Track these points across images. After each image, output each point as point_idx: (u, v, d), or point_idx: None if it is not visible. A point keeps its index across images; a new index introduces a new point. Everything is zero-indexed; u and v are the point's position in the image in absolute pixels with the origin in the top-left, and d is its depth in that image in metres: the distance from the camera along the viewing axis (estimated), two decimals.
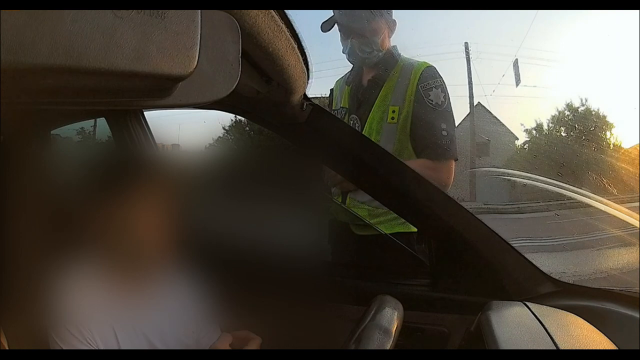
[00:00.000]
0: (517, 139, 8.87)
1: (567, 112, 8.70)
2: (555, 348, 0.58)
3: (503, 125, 8.94)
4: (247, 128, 7.08)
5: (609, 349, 0.61)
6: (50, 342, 0.68)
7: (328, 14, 1.27)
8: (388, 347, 0.57)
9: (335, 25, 1.27)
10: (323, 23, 1.27)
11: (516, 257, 0.85)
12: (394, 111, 1.23)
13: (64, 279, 0.70)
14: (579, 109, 8.48)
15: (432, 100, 1.21)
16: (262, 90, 0.62)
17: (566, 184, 1.53)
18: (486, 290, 0.84)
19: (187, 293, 0.79)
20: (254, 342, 0.74)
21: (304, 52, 0.56)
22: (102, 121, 1.21)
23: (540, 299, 0.81)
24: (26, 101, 0.28)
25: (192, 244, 0.76)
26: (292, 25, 0.48)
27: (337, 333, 0.65)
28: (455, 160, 1.24)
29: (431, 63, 1.26)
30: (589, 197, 1.43)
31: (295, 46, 0.52)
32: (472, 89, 8.15)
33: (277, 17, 0.44)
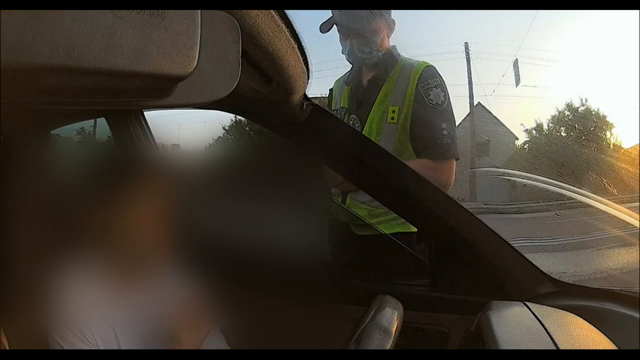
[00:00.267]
0: (517, 139, 8.86)
1: (567, 112, 8.69)
2: (555, 348, 0.58)
3: (503, 125, 8.94)
4: (247, 128, 7.08)
5: (609, 349, 0.61)
6: (50, 342, 0.68)
7: (328, 14, 1.27)
8: (388, 347, 0.57)
9: (335, 25, 1.27)
10: (322, 24, 1.27)
11: (516, 257, 0.85)
12: (393, 111, 1.23)
13: (64, 278, 0.70)
14: (579, 109, 8.47)
15: (432, 100, 1.20)
16: (262, 90, 0.62)
17: (566, 184, 1.53)
18: (486, 290, 0.84)
19: (186, 292, 0.79)
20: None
21: (304, 52, 0.56)
22: (102, 121, 1.21)
23: (540, 299, 0.81)
24: (26, 101, 0.28)
25: (192, 244, 0.76)
26: (292, 25, 0.48)
27: (337, 333, 0.65)
28: (456, 160, 1.24)
29: (431, 63, 1.26)
30: (589, 197, 1.44)
31: (295, 46, 0.52)
32: (472, 89, 8.15)
33: (277, 17, 0.44)
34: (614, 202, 1.32)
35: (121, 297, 0.72)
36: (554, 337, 0.61)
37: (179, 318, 0.71)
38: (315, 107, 0.83)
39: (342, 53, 1.29)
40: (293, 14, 0.47)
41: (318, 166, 1.31)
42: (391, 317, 0.62)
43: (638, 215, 1.20)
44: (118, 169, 0.75)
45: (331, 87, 1.42)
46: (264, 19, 0.41)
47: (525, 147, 8.76)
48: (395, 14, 1.29)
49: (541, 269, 0.85)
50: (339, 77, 1.40)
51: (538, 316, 0.70)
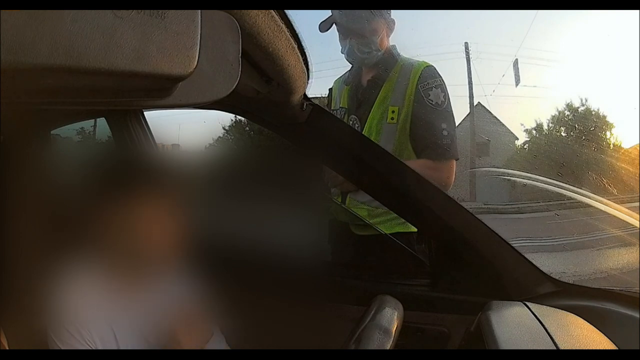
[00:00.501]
0: (517, 139, 8.86)
1: (567, 112, 8.68)
2: (555, 348, 0.58)
3: (503, 125, 8.93)
4: (247, 128, 7.08)
5: (609, 349, 0.61)
6: (49, 342, 0.68)
7: (328, 13, 1.27)
8: (388, 347, 0.57)
9: (334, 25, 1.26)
10: (321, 23, 1.26)
11: (516, 257, 0.85)
12: (393, 111, 1.23)
13: (64, 279, 0.70)
14: (579, 109, 8.47)
15: (432, 100, 1.20)
16: (262, 90, 0.62)
17: (566, 184, 1.53)
18: (486, 290, 0.84)
19: (186, 293, 0.79)
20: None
21: (304, 52, 0.56)
22: (102, 121, 1.21)
23: (540, 299, 0.81)
24: (26, 101, 0.28)
25: (192, 244, 0.76)
26: (292, 25, 0.48)
27: (337, 333, 0.65)
28: (456, 160, 1.24)
29: (431, 63, 1.26)
30: (589, 197, 1.43)
31: (295, 46, 0.52)
32: (472, 89, 8.14)
33: (277, 17, 0.44)
34: (614, 202, 1.32)
35: (120, 297, 0.72)
36: (554, 337, 0.61)
37: (178, 319, 0.71)
38: (315, 107, 0.83)
39: (342, 53, 1.29)
40: (293, 14, 0.47)
41: (318, 166, 1.31)
42: (391, 317, 0.62)
43: (638, 215, 1.20)
44: (118, 169, 0.75)
45: (331, 87, 1.42)
46: (264, 19, 0.41)
47: (525, 147, 8.77)
48: (395, 13, 1.29)
49: (541, 269, 0.85)
50: (339, 76, 1.40)
51: (538, 316, 0.70)
